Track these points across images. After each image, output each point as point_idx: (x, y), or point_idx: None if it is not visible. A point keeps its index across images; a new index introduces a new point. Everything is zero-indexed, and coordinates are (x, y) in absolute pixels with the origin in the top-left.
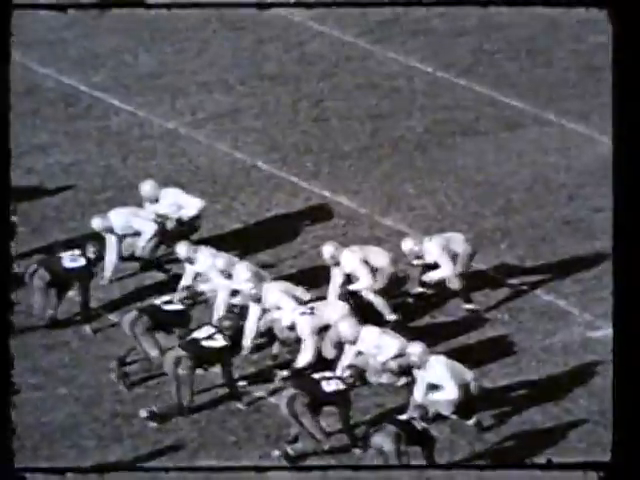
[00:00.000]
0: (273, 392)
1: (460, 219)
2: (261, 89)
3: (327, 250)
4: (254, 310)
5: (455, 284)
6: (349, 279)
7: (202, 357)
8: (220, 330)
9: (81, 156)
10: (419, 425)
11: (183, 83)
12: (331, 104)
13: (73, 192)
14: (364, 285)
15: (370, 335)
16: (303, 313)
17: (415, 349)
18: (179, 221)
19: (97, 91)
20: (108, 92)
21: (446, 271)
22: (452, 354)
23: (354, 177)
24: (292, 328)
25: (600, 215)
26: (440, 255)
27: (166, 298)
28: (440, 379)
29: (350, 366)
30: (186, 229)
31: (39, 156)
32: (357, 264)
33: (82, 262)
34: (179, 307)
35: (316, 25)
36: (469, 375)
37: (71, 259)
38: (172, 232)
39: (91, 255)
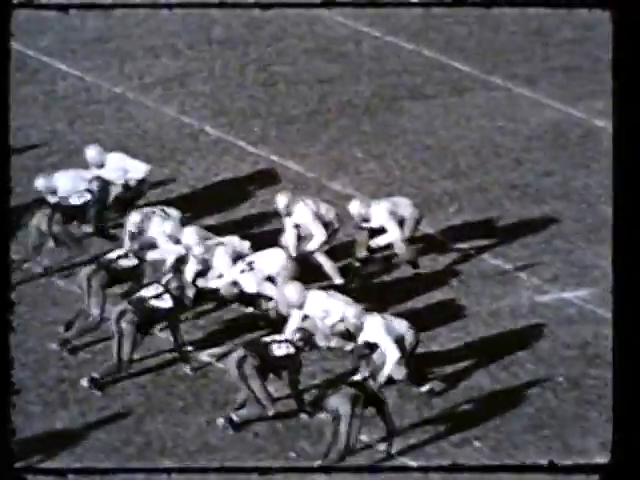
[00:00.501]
0: (220, 357)
1: (408, 183)
2: (209, 53)
3: (281, 200)
4: (190, 267)
5: (402, 249)
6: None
7: (148, 315)
8: (168, 290)
9: (27, 121)
10: (374, 385)
11: (130, 47)
12: (279, 68)
13: (19, 157)
14: (319, 241)
15: (317, 299)
16: (242, 270)
17: (350, 311)
18: (125, 186)
19: (44, 56)
20: (55, 57)
21: (393, 235)
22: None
23: (302, 141)
24: (235, 284)
25: (548, 179)
26: (387, 219)
27: (121, 252)
28: (377, 339)
29: (299, 329)
30: (133, 194)
31: None
32: (310, 218)
33: (87, 197)
34: (134, 262)
35: None
36: (404, 326)
37: (78, 196)
38: (118, 197)
39: (95, 189)
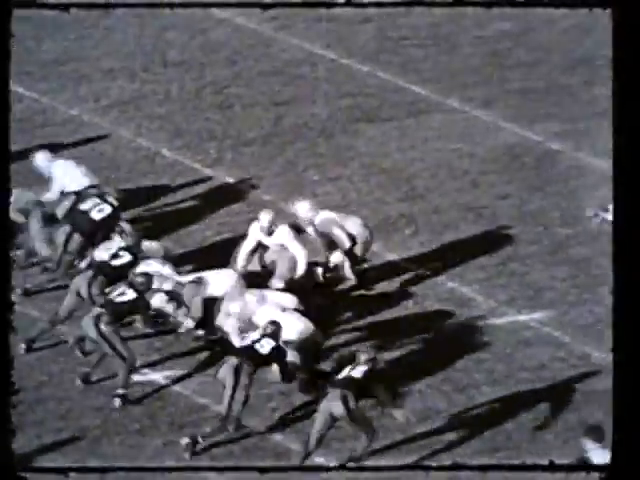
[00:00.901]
0: (176, 381)
1: (364, 205)
2: (164, 76)
3: (265, 217)
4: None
5: (350, 274)
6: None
7: (116, 313)
8: (131, 285)
9: None
10: (357, 373)
11: (86, 70)
12: (234, 91)
13: None
14: (304, 262)
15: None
16: (191, 282)
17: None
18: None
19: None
20: (11, 79)
21: (343, 245)
22: (355, 337)
23: (258, 164)
24: (172, 299)
25: (503, 201)
26: (332, 228)
27: (112, 251)
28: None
29: (270, 322)
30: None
31: None
32: (292, 238)
33: (108, 210)
34: (128, 258)
35: (218, 12)
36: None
37: (98, 210)
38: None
39: (114, 202)
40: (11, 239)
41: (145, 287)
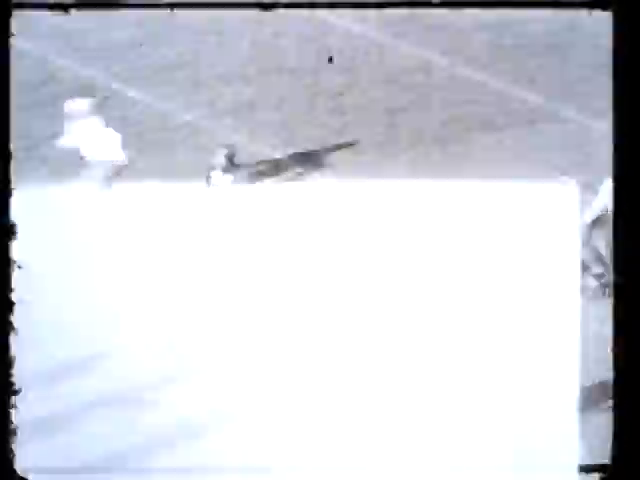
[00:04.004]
0: None
1: None
2: (278, 81)
3: None
4: None
5: None
6: None
7: None
8: None
9: None
10: None
11: (201, 75)
12: (348, 98)
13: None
14: None
15: None
16: None
17: None
18: None
19: (115, 82)
20: (126, 83)
21: None
22: None
23: (370, 171)
24: None
25: None
26: None
27: None
28: None
29: None
30: None
31: (55, 146)
32: None
33: None
34: None
35: (334, 19)
36: None
37: None
38: None
39: None
40: (11, 239)
41: None
